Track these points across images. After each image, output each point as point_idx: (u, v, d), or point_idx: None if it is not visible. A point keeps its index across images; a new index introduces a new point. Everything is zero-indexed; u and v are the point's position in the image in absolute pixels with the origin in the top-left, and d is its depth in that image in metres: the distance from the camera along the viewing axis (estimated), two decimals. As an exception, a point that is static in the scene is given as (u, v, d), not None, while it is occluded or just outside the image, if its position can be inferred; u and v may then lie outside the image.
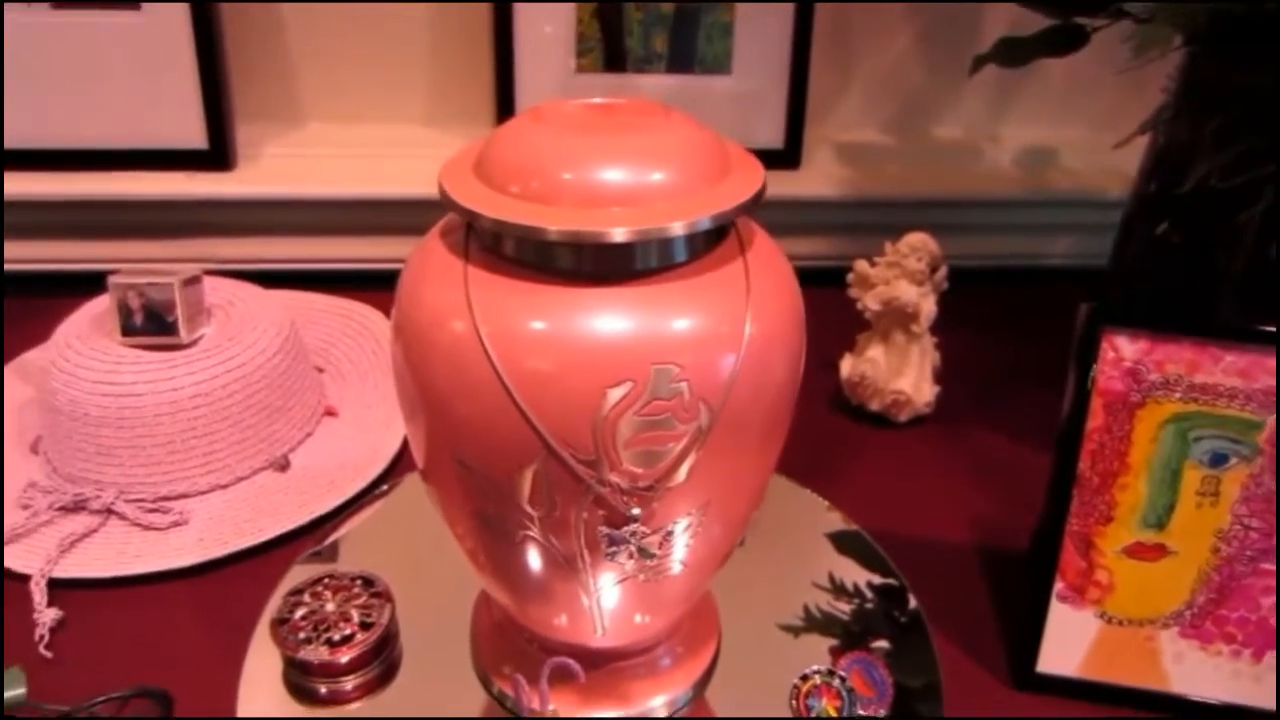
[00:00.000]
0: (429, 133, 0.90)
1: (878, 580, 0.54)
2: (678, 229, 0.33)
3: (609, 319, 0.33)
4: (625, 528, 0.35)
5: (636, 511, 0.35)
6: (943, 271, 0.65)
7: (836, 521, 0.58)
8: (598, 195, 0.34)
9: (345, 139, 0.88)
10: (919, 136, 0.96)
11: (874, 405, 0.66)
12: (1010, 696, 0.48)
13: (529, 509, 0.35)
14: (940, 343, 0.67)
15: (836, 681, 0.46)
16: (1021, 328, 0.79)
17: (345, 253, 0.83)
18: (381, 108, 0.90)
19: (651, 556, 0.37)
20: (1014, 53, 0.70)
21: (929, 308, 0.63)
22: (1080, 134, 0.94)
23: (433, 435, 0.37)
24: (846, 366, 0.66)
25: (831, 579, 0.54)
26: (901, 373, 0.65)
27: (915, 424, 0.67)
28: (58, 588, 0.51)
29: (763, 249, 0.38)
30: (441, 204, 0.36)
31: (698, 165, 0.35)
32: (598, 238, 0.33)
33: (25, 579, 0.50)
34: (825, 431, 0.66)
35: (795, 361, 0.38)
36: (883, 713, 0.46)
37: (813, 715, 0.45)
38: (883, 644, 0.50)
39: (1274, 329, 0.44)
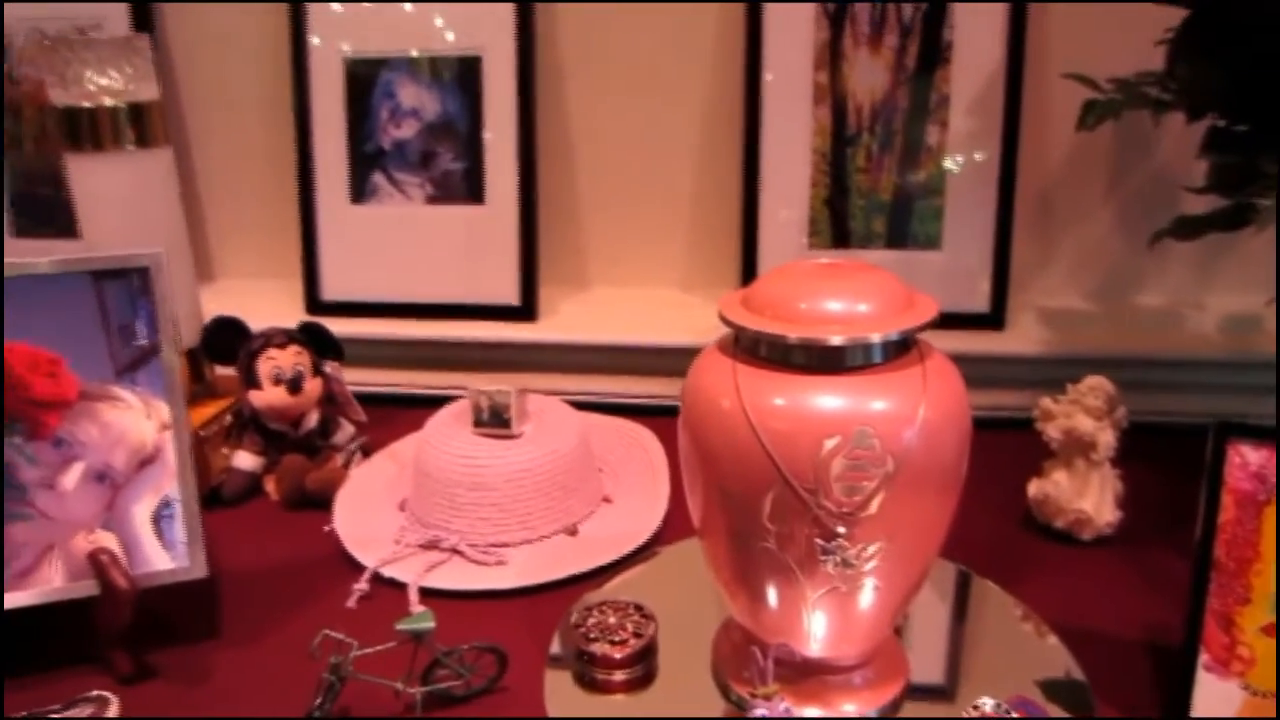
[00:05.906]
0: (684, 296, 1.17)
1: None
2: (875, 338, 0.54)
3: (828, 397, 0.54)
4: (833, 541, 0.54)
5: (842, 530, 0.54)
6: (1121, 411, 0.79)
7: (1036, 640, 0.69)
8: (822, 318, 0.55)
9: (621, 299, 1.16)
10: (1121, 304, 1.11)
11: (1058, 523, 0.80)
12: (1165, 754, 0.60)
13: (768, 524, 0.55)
14: (1125, 475, 0.81)
15: (1004, 712, 0.60)
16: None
17: (620, 387, 1.09)
18: (648, 275, 1.19)
19: (851, 566, 0.55)
20: (1188, 228, 0.86)
21: (1106, 439, 0.78)
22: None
23: (705, 478, 0.58)
24: (1033, 488, 0.81)
25: None
26: (1083, 495, 0.79)
27: (1099, 543, 0.80)
28: (424, 595, 0.75)
29: (937, 361, 0.58)
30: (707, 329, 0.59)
31: (889, 301, 0.56)
32: (821, 343, 0.54)
33: (403, 586, 0.76)
34: (1015, 544, 0.81)
35: (961, 440, 0.56)
36: (1044, 747, 0.59)
37: (982, 737, 0.59)
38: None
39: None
